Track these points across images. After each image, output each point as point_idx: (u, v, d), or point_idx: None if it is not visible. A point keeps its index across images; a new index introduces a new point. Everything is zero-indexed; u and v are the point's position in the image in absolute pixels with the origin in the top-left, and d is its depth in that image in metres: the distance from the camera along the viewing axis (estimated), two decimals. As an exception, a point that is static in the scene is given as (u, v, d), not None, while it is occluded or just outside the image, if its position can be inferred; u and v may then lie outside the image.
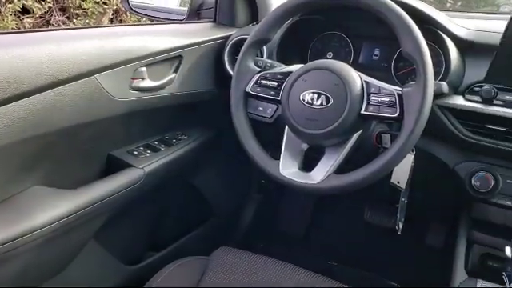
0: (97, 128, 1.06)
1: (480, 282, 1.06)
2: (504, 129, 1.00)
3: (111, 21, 4.33)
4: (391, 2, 0.90)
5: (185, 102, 1.25)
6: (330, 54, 1.29)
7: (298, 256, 1.68)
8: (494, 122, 1.01)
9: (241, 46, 1.07)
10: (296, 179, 0.94)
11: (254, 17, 1.41)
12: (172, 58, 1.18)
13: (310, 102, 0.93)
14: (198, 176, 1.50)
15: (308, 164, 0.98)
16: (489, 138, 1.02)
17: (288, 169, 0.96)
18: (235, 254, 1.10)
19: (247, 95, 1.03)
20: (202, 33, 1.32)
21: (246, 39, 1.06)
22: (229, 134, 1.07)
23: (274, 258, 1.08)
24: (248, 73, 1.02)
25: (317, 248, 1.78)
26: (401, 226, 1.10)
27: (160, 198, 1.37)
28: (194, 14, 1.49)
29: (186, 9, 1.49)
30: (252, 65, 1.04)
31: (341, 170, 0.94)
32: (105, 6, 4.16)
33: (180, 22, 1.50)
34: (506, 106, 1.00)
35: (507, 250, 0.94)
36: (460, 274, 1.10)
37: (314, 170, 0.95)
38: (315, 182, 0.92)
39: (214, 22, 1.43)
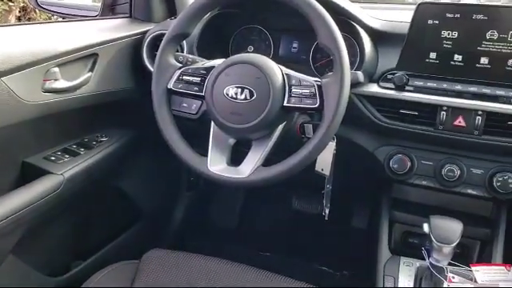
0: (8, 134, 0.99)
1: (403, 259, 1.13)
2: (416, 113, 1.07)
3: (19, 19, 4.05)
4: None
5: (103, 102, 1.20)
6: (250, 48, 1.30)
7: (231, 249, 1.69)
8: (407, 107, 1.07)
9: (159, 42, 1.04)
10: (225, 174, 0.94)
11: (171, 11, 1.38)
12: (87, 57, 1.13)
13: (234, 96, 0.92)
14: (124, 178, 1.45)
15: (237, 158, 0.98)
16: (403, 122, 1.09)
17: (216, 165, 0.96)
18: (167, 254, 1.08)
19: (169, 92, 1.00)
20: (117, 29, 1.27)
21: (164, 34, 1.03)
22: (153, 132, 1.04)
23: (206, 256, 1.08)
24: (169, 69, 1.00)
25: (249, 239, 1.80)
26: (327, 211, 1.14)
27: (83, 203, 1.31)
28: (108, 10, 1.43)
29: (99, 4, 1.43)
30: (172, 60, 1.02)
31: (268, 161, 0.95)
32: (10, 4, 3.88)
33: (94, 18, 1.43)
34: (416, 92, 1.06)
35: (425, 226, 1.00)
36: (384, 253, 1.16)
37: (242, 163, 0.95)
38: (244, 176, 0.93)
39: (130, 17, 1.38)
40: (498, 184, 1.05)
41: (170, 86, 0.99)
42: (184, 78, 0.99)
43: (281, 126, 0.97)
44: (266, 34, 1.28)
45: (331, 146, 1.06)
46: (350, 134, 1.16)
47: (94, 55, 1.14)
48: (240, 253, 1.68)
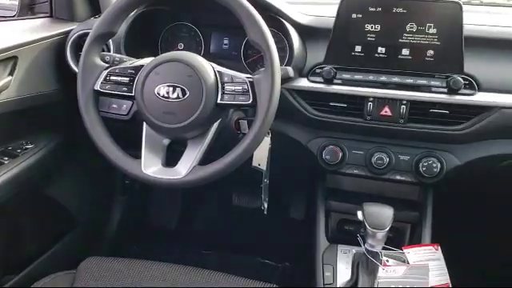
0: None
1: (340, 247, 1.17)
2: (345, 105, 1.11)
3: None
4: None
5: (26, 107, 1.14)
6: (181, 45, 1.28)
7: (172, 251, 1.67)
8: (336, 100, 1.11)
9: (84, 42, 0.99)
10: (160, 176, 0.92)
11: (95, 10, 1.32)
12: (5, 60, 1.06)
13: (166, 95, 0.91)
14: (54, 185, 1.38)
15: (172, 159, 0.96)
16: (333, 114, 1.12)
17: (151, 166, 0.94)
18: (104, 262, 1.04)
19: (97, 93, 0.96)
20: (37, 29, 1.20)
21: (88, 34, 0.99)
22: (82, 136, 1.00)
23: (145, 260, 1.05)
24: (95, 69, 0.96)
25: (191, 239, 1.79)
26: (266, 205, 1.15)
27: (11, 215, 1.23)
28: (27, 9, 1.35)
29: (16, 3, 1.34)
30: (98, 61, 0.98)
31: (205, 160, 0.94)
32: None
33: (11, 18, 1.34)
34: (344, 84, 1.10)
35: (359, 214, 1.04)
36: (322, 242, 1.19)
37: (178, 164, 0.94)
38: (180, 177, 0.91)
39: (51, 16, 1.31)
40: (424, 169, 1.11)
41: (97, 87, 0.96)
42: (111, 78, 0.96)
43: (216, 124, 0.97)
44: (196, 31, 1.27)
45: (266, 141, 1.07)
46: (284, 128, 1.18)
47: (14, 58, 1.07)
48: (182, 254, 1.67)
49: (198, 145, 0.95)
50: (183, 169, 0.92)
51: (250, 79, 0.92)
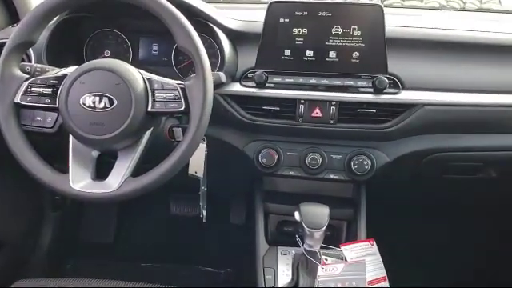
0: None
1: (280, 249, 1.18)
2: (277, 108, 1.12)
3: None
4: None
5: None
6: (107, 53, 1.24)
7: (109, 266, 1.61)
8: (269, 103, 1.12)
9: (0, 52, 0.93)
10: (90, 191, 0.88)
11: (12, 18, 1.25)
12: None
13: (92, 105, 0.87)
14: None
15: (103, 171, 0.92)
16: (267, 117, 1.13)
17: (80, 181, 0.90)
18: (36, 283, 0.98)
19: (17, 106, 0.91)
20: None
21: (5, 43, 0.93)
22: (4, 152, 0.93)
23: (81, 278, 1.00)
24: (14, 81, 0.91)
25: (129, 252, 1.73)
26: (204, 213, 1.14)
27: None
28: None
29: None
30: (17, 71, 0.92)
31: (138, 171, 0.91)
32: None
33: None
34: (276, 88, 1.11)
35: (296, 214, 1.05)
36: (262, 246, 1.19)
37: (109, 176, 0.90)
38: (112, 190, 0.88)
39: (-38, 25, 1.22)
40: (356, 167, 1.15)
41: (18, 99, 0.90)
42: (33, 89, 0.90)
43: (148, 133, 0.94)
44: (122, 38, 1.23)
45: (202, 148, 1.06)
46: (219, 133, 1.17)
47: None
48: (120, 268, 1.61)
49: (129, 155, 0.92)
50: (114, 181, 0.89)
51: (182, 85, 0.90)
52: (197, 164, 1.07)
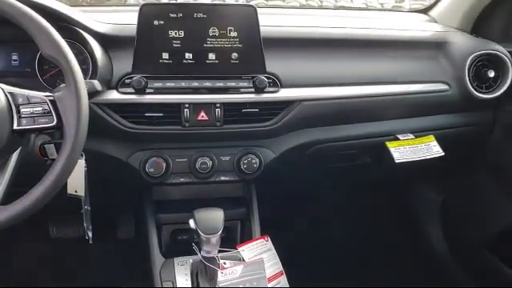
0: None
1: (177, 260, 1.14)
2: (161, 114, 1.07)
3: None
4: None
5: None
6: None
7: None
8: (151, 110, 1.07)
9: None
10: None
11: None
12: None
13: None
14: None
15: None
16: (151, 125, 1.08)
17: None
18: None
19: None
20: None
21: None
22: None
23: None
24: None
25: (10, 283, 1.54)
26: (90, 234, 1.05)
27: None
28: None
29: None
30: None
31: (9, 196, 0.81)
32: None
33: None
34: (157, 93, 1.07)
35: (191, 222, 1.02)
36: (157, 259, 1.14)
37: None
38: None
39: None
40: (245, 166, 1.15)
41: None
42: None
43: (16, 154, 0.85)
44: None
45: (81, 164, 0.98)
46: (99, 146, 1.10)
47: None
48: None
49: (-5, 181, 0.81)
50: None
51: (51, 97, 0.82)
52: (76, 182, 0.98)
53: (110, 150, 1.12)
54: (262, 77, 1.09)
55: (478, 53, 1.24)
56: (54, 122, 0.81)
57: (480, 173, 1.46)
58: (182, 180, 1.15)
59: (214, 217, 1.03)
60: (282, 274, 1.14)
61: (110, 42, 1.09)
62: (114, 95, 1.05)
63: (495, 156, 1.37)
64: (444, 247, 1.66)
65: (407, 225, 1.79)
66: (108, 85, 1.06)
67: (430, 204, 1.70)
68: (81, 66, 0.86)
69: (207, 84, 1.08)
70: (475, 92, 1.24)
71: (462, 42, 1.30)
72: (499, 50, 1.25)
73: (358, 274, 1.65)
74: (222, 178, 1.17)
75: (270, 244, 1.17)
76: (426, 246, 1.71)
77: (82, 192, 0.99)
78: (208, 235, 1.00)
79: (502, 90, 1.24)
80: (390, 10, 1.72)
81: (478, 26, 1.36)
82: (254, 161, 1.16)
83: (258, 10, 1.07)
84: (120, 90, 1.06)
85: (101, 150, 1.10)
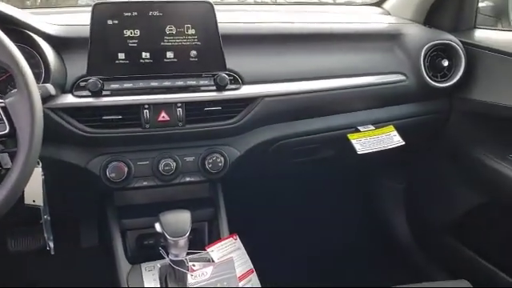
0: None
1: (144, 265, 1.11)
2: (120, 116, 1.04)
3: None
4: None
5: None
6: None
7: None
8: (109, 112, 1.04)
9: None
10: None
11: None
12: None
13: None
14: None
15: None
16: (109, 128, 1.04)
17: None
18: None
19: None
20: None
21: None
22: None
23: None
24: None
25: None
26: (51, 244, 1.01)
27: None
28: None
29: None
30: None
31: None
32: None
33: None
34: (115, 95, 1.03)
35: (157, 226, 1.00)
36: (124, 267, 1.11)
37: None
38: None
39: None
40: (210, 166, 1.13)
41: None
42: None
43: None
44: None
45: (38, 172, 0.93)
46: (56, 153, 1.06)
47: None
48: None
49: None
50: None
51: (2, 104, 0.79)
52: (34, 191, 0.94)
53: (68, 157, 1.08)
54: (223, 74, 1.08)
55: (432, 43, 1.27)
56: (7, 130, 0.78)
57: (439, 160, 1.51)
58: (145, 183, 1.12)
59: (181, 219, 1.01)
60: (253, 272, 1.14)
61: (62, 44, 1.05)
62: (69, 99, 1.02)
63: (452, 143, 1.41)
64: (407, 233, 1.71)
65: (372, 213, 1.83)
66: (62, 88, 1.02)
67: (393, 192, 1.74)
68: (33, 70, 0.82)
69: (166, 83, 1.06)
70: (431, 81, 1.27)
71: (415, 33, 1.33)
72: (452, 39, 1.28)
73: (330, 266, 1.67)
74: (187, 179, 1.15)
75: (238, 243, 1.17)
76: (391, 232, 1.75)
77: (40, 201, 0.95)
78: (175, 238, 0.98)
79: (456, 79, 1.28)
80: (343, 4, 1.74)
81: (430, 17, 1.40)
82: (219, 160, 1.14)
83: (215, 6, 1.06)
84: (75, 93, 1.02)
85: (58, 157, 1.06)
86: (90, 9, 1.00)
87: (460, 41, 1.29)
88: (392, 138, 1.26)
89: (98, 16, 1.00)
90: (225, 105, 1.10)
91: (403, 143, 1.25)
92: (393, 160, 1.58)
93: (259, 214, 1.63)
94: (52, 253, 1.01)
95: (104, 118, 1.03)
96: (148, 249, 1.18)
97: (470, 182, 1.39)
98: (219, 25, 1.06)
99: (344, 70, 1.23)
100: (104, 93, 1.03)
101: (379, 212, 1.81)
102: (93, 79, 1.01)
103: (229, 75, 1.09)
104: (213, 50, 1.07)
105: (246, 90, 1.12)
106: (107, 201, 1.20)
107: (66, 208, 1.32)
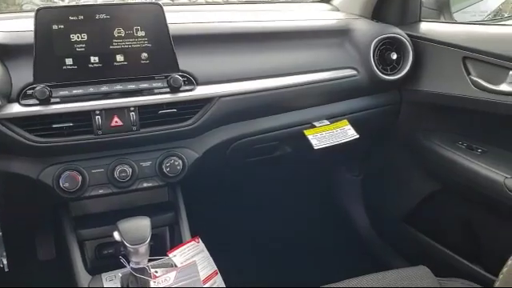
0: None
1: (105, 276, 1.08)
2: (70, 124, 1.01)
3: None
4: None
5: None
6: None
7: None
8: (59, 120, 1.00)
9: None
10: None
11: None
12: None
13: None
14: None
15: None
16: (60, 136, 1.01)
17: None
18: None
19: None
20: None
21: None
22: None
23: None
24: None
25: None
26: (5, 261, 0.97)
27: None
28: None
29: None
30: None
31: None
32: None
33: None
34: (64, 102, 1.00)
35: (115, 235, 0.97)
36: (83, 278, 1.07)
37: None
38: None
39: None
40: (168, 169, 1.12)
41: None
42: None
43: None
44: None
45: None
46: (5, 165, 1.02)
47: None
48: None
49: None
50: None
51: None
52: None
53: (18, 168, 1.03)
54: (176, 75, 1.06)
55: (381, 37, 1.30)
56: None
57: (394, 151, 1.55)
58: (101, 192, 1.09)
59: (140, 226, 0.98)
60: (217, 273, 1.13)
61: (5, 51, 1.01)
62: (15, 108, 0.97)
63: (405, 133, 1.45)
64: (367, 224, 1.75)
65: (333, 206, 1.86)
66: (8, 98, 0.97)
67: (351, 184, 1.77)
68: None
69: (118, 87, 1.03)
70: (381, 74, 1.30)
71: (364, 28, 1.36)
72: (399, 33, 1.32)
73: (293, 261, 1.68)
74: (145, 185, 1.12)
75: (201, 245, 1.15)
76: (351, 223, 1.79)
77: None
78: (135, 246, 0.95)
79: (405, 71, 1.31)
80: (292, 2, 1.75)
81: (377, 11, 1.43)
82: (177, 163, 1.12)
83: (165, 8, 1.04)
84: (22, 102, 0.98)
85: (7, 169, 1.01)
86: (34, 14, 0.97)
87: (407, 34, 1.33)
88: (346, 132, 1.28)
89: (42, 21, 0.96)
90: (180, 106, 1.09)
91: (358, 136, 1.28)
92: (349, 153, 1.61)
93: (221, 215, 1.62)
94: (6, 270, 0.97)
95: (54, 126, 1.00)
96: (108, 258, 1.15)
97: (423, 170, 1.44)
98: (170, 26, 1.05)
99: (297, 67, 1.24)
100: (53, 100, 0.99)
101: (339, 205, 1.84)
102: (40, 87, 0.97)
103: (182, 76, 1.07)
104: (164, 52, 1.05)
105: (201, 91, 1.11)
106: (62, 211, 1.16)
107: (20, 222, 1.26)
